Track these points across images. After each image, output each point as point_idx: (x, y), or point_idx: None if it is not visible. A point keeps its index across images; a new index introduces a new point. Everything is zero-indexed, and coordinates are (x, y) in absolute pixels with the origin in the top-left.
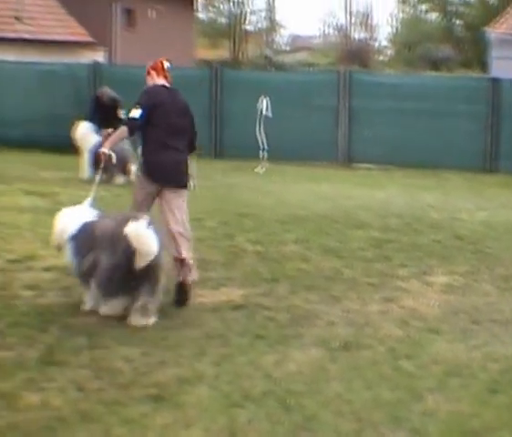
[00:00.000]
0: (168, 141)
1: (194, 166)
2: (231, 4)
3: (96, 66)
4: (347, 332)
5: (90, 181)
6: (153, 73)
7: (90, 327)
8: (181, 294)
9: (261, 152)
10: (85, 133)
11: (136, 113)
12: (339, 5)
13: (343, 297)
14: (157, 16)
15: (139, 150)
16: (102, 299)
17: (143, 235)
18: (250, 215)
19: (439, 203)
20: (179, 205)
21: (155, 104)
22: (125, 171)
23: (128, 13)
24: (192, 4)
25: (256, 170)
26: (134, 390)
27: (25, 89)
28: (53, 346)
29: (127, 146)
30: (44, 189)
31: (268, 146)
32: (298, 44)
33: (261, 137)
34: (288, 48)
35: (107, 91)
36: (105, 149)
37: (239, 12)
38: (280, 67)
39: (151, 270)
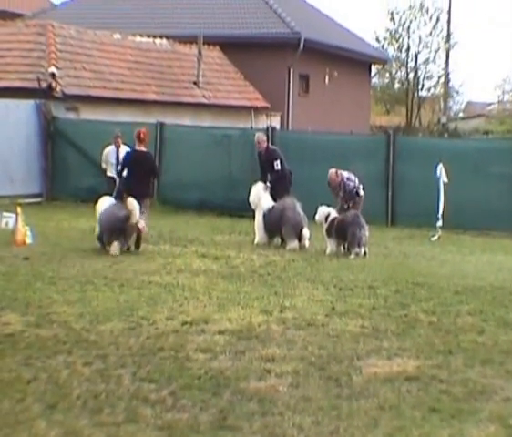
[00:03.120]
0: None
1: (367, 234)
2: (407, 70)
3: (270, 131)
4: None
5: (263, 245)
6: (136, 140)
7: (262, 392)
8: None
9: (439, 220)
10: (258, 197)
11: (124, 172)
12: None
13: None
14: (331, 82)
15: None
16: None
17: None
18: (425, 284)
19: None
20: (146, 205)
21: (131, 161)
22: (299, 237)
23: (304, 78)
24: (369, 70)
25: (433, 239)
26: None
27: (201, 153)
28: (225, 410)
29: (301, 211)
30: (218, 253)
31: (440, 213)
32: (473, 110)
33: (438, 204)
34: (463, 115)
35: (263, 138)
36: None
37: (413, 78)
38: (454, 134)
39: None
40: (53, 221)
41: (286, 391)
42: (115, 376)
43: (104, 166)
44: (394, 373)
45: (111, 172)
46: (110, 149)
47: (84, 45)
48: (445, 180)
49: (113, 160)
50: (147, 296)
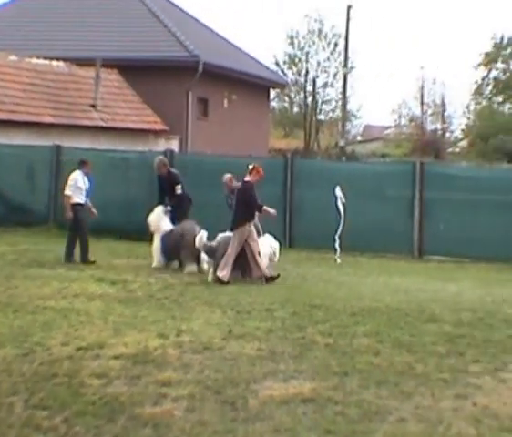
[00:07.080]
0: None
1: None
2: (305, 93)
3: (168, 154)
4: (418, 429)
5: (161, 269)
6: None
7: (158, 417)
8: None
9: (337, 242)
10: (156, 220)
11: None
12: (413, 96)
13: (414, 392)
14: (230, 105)
15: None
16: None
17: None
18: (322, 306)
19: None
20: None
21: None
22: (198, 260)
23: (202, 102)
24: (268, 94)
25: (338, 261)
26: None
27: (99, 176)
28: (120, 436)
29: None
30: (115, 277)
31: (338, 235)
32: (370, 134)
33: (338, 226)
34: (360, 138)
35: (163, 162)
36: None
37: (312, 102)
38: (352, 157)
39: None
40: None
41: (182, 415)
42: (6, 404)
43: (69, 192)
44: (290, 396)
45: (79, 198)
46: (78, 174)
47: None
48: (343, 200)
49: (83, 185)
50: (41, 321)
